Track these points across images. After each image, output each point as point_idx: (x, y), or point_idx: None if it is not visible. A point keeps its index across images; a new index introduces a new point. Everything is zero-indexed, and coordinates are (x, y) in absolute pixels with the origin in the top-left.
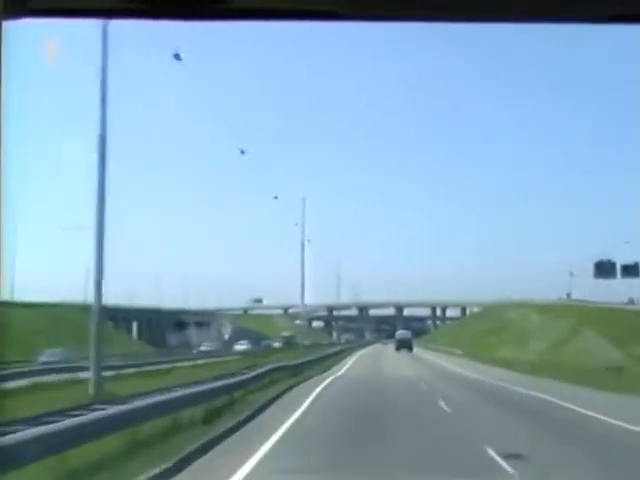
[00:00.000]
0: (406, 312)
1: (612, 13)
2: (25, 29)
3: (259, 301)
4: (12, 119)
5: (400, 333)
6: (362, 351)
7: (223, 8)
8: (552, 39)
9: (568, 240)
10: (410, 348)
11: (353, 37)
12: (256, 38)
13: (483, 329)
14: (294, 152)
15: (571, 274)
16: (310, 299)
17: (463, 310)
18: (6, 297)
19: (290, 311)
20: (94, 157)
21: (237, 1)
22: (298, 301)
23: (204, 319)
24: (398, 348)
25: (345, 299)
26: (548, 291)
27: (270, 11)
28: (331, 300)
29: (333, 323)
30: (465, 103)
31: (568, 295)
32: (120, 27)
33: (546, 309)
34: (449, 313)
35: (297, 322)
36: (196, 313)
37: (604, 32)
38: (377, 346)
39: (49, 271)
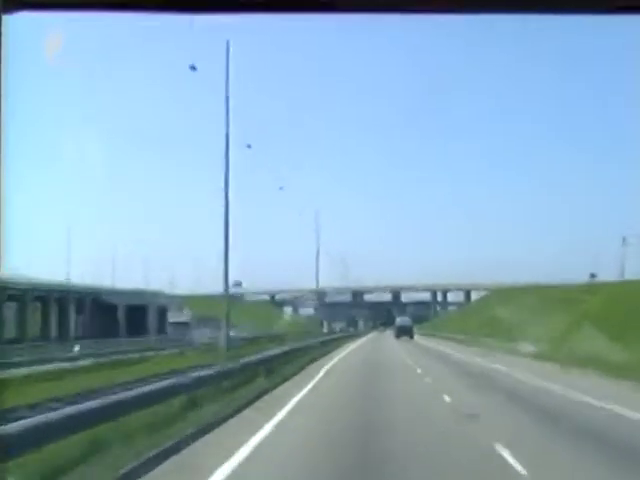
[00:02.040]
0: (404, 297)
1: (614, 4)
2: (24, 23)
3: (238, 285)
4: (11, 113)
5: (400, 320)
6: (348, 349)
7: (222, 1)
8: (555, 30)
9: (591, 218)
10: (411, 336)
11: (351, 28)
12: (255, 29)
13: (503, 316)
14: (288, 138)
15: (624, 241)
16: (299, 284)
17: (467, 294)
18: None
19: (277, 297)
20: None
21: None
22: (286, 286)
23: (143, 302)
24: (398, 336)
25: (337, 283)
26: (569, 273)
27: (268, 3)
28: (321, 284)
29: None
30: (468, 92)
31: (592, 276)
32: (121, 20)
33: (576, 293)
34: (451, 298)
35: (285, 309)
36: (133, 293)
37: (607, 23)
38: (373, 337)
39: None
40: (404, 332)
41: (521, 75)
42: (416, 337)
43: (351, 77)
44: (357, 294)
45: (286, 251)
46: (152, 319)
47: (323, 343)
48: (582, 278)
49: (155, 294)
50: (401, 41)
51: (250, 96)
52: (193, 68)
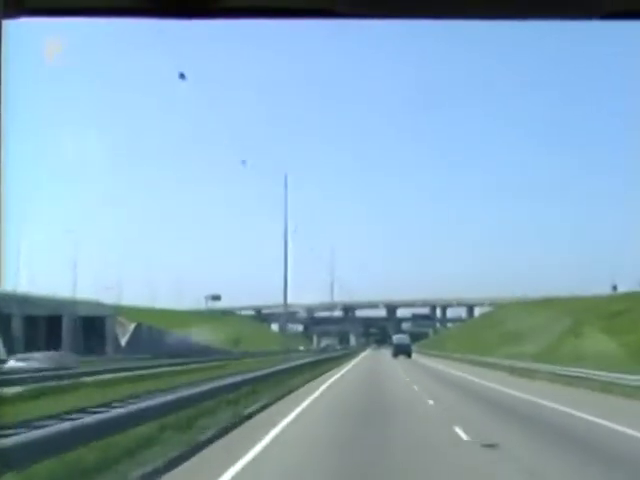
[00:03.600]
0: (400, 313)
1: (608, 10)
2: (24, 28)
3: (217, 298)
4: (11, 118)
5: (397, 338)
6: (322, 388)
7: (220, 6)
8: (549, 36)
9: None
10: (409, 355)
11: (349, 35)
12: (253, 35)
13: (529, 333)
14: (282, 145)
15: None
16: (288, 298)
17: (470, 310)
18: None
19: (264, 312)
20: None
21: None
22: (273, 301)
23: (56, 312)
24: (395, 354)
25: (327, 298)
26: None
27: (267, 9)
28: (312, 299)
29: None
30: (463, 100)
31: (614, 288)
32: (119, 25)
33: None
34: (450, 313)
35: (273, 325)
36: (43, 301)
37: (600, 29)
38: (367, 357)
39: None
40: (402, 351)
41: (522, 83)
42: (425, 360)
43: (345, 85)
44: (348, 309)
45: (274, 265)
46: (67, 332)
47: (273, 377)
48: (590, 290)
49: (75, 303)
50: (399, 49)
51: (240, 104)
52: (182, 76)
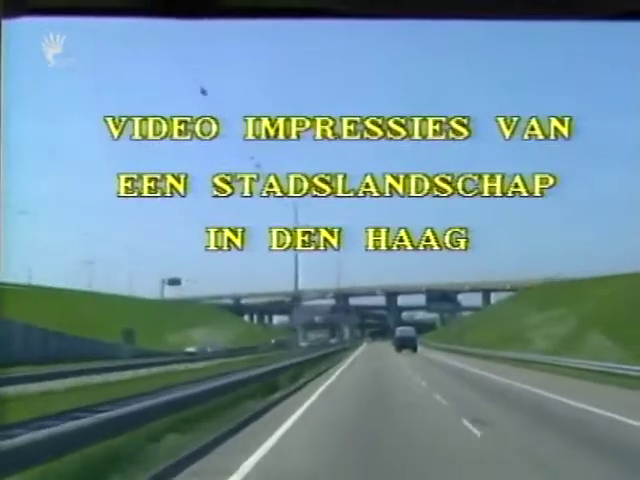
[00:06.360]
0: (400, 301)
1: (614, 11)
2: (25, 28)
3: (175, 282)
4: (12, 117)
5: (401, 330)
6: None
7: (220, 6)
8: (554, 37)
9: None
10: (414, 349)
11: (349, 34)
12: (253, 35)
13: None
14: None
15: None
16: (271, 285)
17: (486, 295)
18: None
19: (244, 302)
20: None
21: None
22: (255, 289)
23: None
24: (399, 349)
25: (317, 284)
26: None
27: (267, 9)
28: (301, 285)
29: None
30: (464, 99)
31: None
32: (121, 25)
33: None
34: (461, 300)
35: (245, 317)
36: None
37: (607, 30)
38: (361, 358)
39: None
40: (406, 344)
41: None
42: (458, 362)
43: (344, 84)
44: (341, 297)
45: (257, 248)
46: None
47: None
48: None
49: None
50: (399, 48)
51: (240, 104)
52: (203, 92)
